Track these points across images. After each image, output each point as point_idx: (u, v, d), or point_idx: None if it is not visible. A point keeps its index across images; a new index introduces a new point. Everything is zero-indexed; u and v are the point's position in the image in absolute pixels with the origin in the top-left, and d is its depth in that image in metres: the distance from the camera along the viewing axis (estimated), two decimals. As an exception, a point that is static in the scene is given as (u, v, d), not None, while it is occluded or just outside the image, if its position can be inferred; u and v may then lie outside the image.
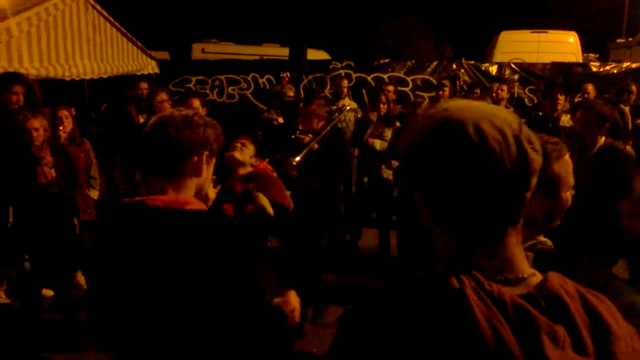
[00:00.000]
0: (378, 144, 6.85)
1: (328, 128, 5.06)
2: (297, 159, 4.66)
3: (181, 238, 1.74)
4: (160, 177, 1.87)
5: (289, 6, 26.85)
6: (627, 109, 7.80)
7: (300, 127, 5.05)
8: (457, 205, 0.96)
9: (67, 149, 5.36)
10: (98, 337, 2.01)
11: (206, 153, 1.90)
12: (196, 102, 5.43)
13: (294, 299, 2.07)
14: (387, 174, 6.52)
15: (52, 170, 4.97)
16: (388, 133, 6.76)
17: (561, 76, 10.61)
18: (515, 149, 0.95)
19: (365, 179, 7.35)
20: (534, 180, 0.99)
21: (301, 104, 5.34)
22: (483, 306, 0.89)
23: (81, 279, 5.82)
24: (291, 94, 7.40)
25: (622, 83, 8.39)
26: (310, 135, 4.90)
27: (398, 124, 6.95)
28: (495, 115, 0.97)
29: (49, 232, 4.99)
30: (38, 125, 4.90)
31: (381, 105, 7.24)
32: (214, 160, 1.98)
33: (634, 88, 8.02)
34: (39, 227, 4.94)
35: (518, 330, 0.88)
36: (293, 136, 4.94)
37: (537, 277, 0.99)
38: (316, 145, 4.84)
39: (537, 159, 0.98)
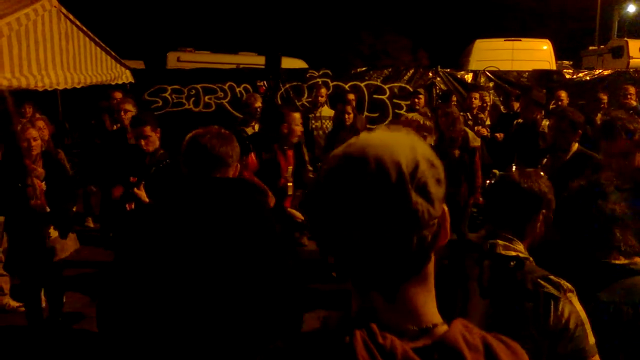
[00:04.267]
0: None
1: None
2: None
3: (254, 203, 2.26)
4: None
5: (264, 14, 26.86)
6: (597, 117, 7.86)
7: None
8: (344, 249, 0.92)
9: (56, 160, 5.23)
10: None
11: (237, 163, 2.44)
12: None
13: None
14: None
15: (43, 183, 4.78)
16: None
17: (538, 83, 10.73)
18: (396, 191, 0.88)
19: None
20: (426, 232, 0.91)
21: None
22: None
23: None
24: (258, 104, 7.28)
25: (593, 93, 8.48)
26: None
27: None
28: (393, 152, 0.91)
29: (35, 247, 4.79)
30: (36, 134, 4.76)
31: (346, 116, 7.29)
32: None
33: (604, 97, 8.10)
34: (26, 241, 4.75)
35: None
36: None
37: (443, 328, 0.93)
38: None
39: (423, 206, 0.90)
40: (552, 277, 1.93)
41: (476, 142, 6.14)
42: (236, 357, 1.96)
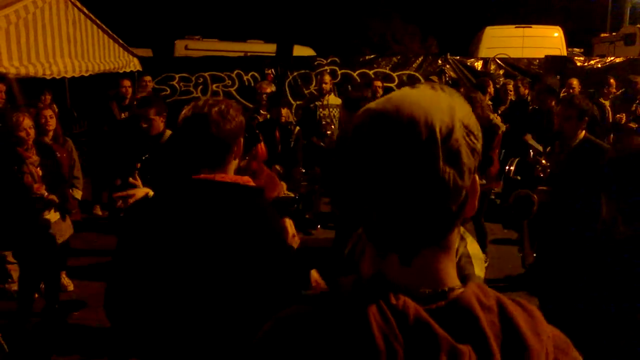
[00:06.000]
0: None
1: None
2: None
3: (247, 209, 2.01)
4: (207, 169, 2.06)
5: (274, 2, 26.75)
6: (607, 103, 7.80)
7: None
8: (366, 207, 0.90)
9: (54, 149, 5.27)
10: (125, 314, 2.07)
11: (241, 137, 2.13)
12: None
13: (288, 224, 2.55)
14: None
15: (39, 169, 4.82)
16: None
17: (551, 70, 10.65)
18: (425, 155, 0.85)
19: None
20: (451, 202, 0.87)
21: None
22: (382, 320, 0.83)
23: (66, 279, 5.71)
24: (269, 90, 7.40)
25: (601, 77, 8.40)
26: None
27: None
28: (429, 114, 0.87)
29: (34, 234, 4.84)
30: (31, 124, 4.81)
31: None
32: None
33: (612, 81, 8.02)
34: (25, 229, 4.78)
35: (415, 347, 0.82)
36: None
37: (460, 291, 0.90)
38: None
39: (451, 175, 0.86)
40: None
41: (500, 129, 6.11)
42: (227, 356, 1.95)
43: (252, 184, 2.11)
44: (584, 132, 4.45)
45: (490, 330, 0.85)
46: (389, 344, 0.82)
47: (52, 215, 4.92)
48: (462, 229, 2.26)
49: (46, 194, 4.77)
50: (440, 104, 0.89)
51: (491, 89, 8.96)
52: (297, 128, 6.97)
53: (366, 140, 0.88)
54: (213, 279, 1.93)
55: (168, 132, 4.52)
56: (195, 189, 2.03)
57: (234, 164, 2.15)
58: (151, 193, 3.26)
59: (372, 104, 0.93)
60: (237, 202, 2.01)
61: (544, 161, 4.72)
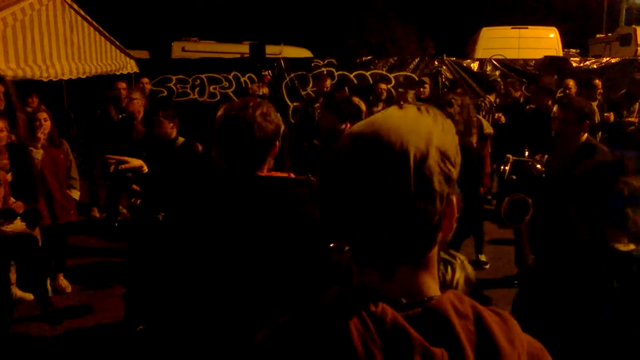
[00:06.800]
0: None
1: None
2: None
3: (300, 198, 2.13)
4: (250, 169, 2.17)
5: (266, 3, 26.78)
6: (594, 104, 7.77)
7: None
8: (345, 223, 0.94)
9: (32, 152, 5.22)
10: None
11: (278, 138, 2.22)
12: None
13: None
14: None
15: (9, 174, 4.77)
16: None
17: (547, 70, 10.68)
18: (396, 182, 0.88)
19: None
20: (423, 225, 0.90)
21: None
22: (361, 326, 0.88)
23: (64, 282, 5.70)
24: (260, 92, 7.39)
25: (585, 78, 8.32)
26: None
27: None
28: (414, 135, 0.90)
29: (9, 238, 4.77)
30: (2, 126, 4.76)
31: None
32: None
33: (597, 82, 8.00)
34: None
35: (391, 350, 0.87)
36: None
37: (436, 299, 0.94)
38: None
39: (421, 202, 0.88)
40: (448, 250, 2.29)
41: (489, 129, 6.21)
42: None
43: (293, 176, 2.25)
44: (585, 135, 4.25)
45: (464, 336, 0.88)
46: (367, 347, 0.87)
47: (17, 225, 4.79)
48: (462, 256, 2.28)
49: (12, 200, 4.70)
50: (419, 129, 0.91)
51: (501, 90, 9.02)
52: (282, 128, 6.90)
53: (345, 162, 0.92)
54: (273, 265, 2.04)
55: (181, 139, 4.66)
56: (254, 185, 2.14)
57: (268, 162, 2.23)
58: (145, 168, 3.26)
59: (355, 127, 0.96)
60: (289, 193, 2.13)
61: (539, 166, 4.64)
